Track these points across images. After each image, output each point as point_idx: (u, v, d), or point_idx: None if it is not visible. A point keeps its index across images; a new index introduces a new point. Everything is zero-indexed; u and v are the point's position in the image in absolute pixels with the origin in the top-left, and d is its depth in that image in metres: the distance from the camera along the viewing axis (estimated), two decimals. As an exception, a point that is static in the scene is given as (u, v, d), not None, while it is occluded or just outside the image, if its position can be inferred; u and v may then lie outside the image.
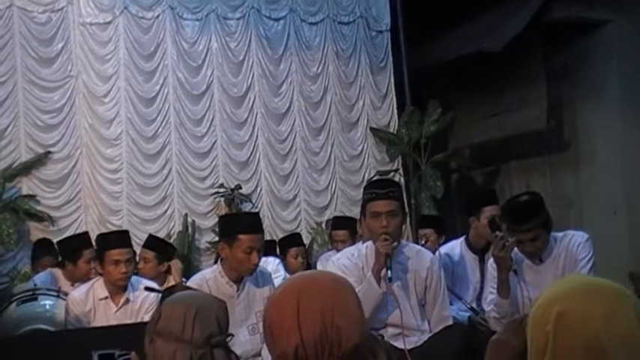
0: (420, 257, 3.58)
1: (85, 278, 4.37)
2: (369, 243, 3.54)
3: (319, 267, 4.89)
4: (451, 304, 3.95)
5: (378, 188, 3.48)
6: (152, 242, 5.11)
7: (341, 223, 5.77)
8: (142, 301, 3.88)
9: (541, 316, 1.35)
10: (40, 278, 4.73)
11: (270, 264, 5.08)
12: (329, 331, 1.37)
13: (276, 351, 1.41)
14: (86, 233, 5.30)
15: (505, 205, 3.65)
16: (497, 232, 3.50)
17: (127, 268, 3.84)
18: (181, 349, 1.84)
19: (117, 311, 3.86)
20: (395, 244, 3.38)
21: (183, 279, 4.83)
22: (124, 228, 6.05)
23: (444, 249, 4.23)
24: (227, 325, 1.95)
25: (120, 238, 4.00)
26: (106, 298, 3.88)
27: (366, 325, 1.43)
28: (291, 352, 1.37)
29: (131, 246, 4.03)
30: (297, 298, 1.40)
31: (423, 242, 4.80)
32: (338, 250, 4.94)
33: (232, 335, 1.95)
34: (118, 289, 3.88)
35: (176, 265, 4.93)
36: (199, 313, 1.88)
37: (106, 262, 3.82)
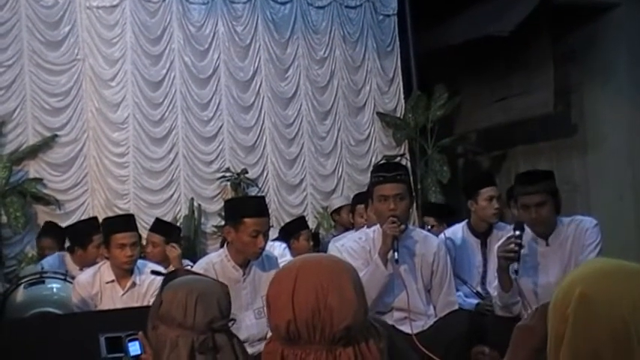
0: (427, 242, 3.58)
1: (95, 263, 4.38)
2: (377, 227, 3.54)
3: (330, 248, 4.86)
4: (457, 289, 3.96)
5: (385, 172, 3.48)
6: (160, 226, 5.11)
7: (363, 197, 5.65)
8: (148, 285, 3.88)
9: (562, 299, 1.27)
10: (48, 262, 4.75)
11: (277, 248, 5.08)
12: (321, 311, 1.40)
13: (271, 324, 1.47)
14: (95, 218, 5.31)
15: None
16: (518, 232, 3.43)
17: (133, 252, 3.84)
18: (184, 334, 1.84)
19: (123, 295, 3.87)
20: (402, 226, 3.37)
21: (190, 263, 4.82)
22: (131, 212, 6.05)
23: (447, 233, 4.23)
24: (229, 309, 1.94)
25: (125, 222, 4.00)
26: (113, 281, 3.89)
27: (361, 310, 1.44)
28: (283, 327, 1.41)
29: (137, 229, 4.03)
30: (295, 276, 1.45)
31: (428, 227, 4.81)
32: (357, 229, 4.92)
33: (234, 320, 1.94)
34: (125, 272, 3.89)
35: (173, 251, 4.78)
36: (200, 298, 1.87)
37: (112, 246, 3.82)
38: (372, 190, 3.50)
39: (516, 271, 3.37)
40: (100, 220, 4.84)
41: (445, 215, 5.43)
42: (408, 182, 3.55)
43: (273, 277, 1.53)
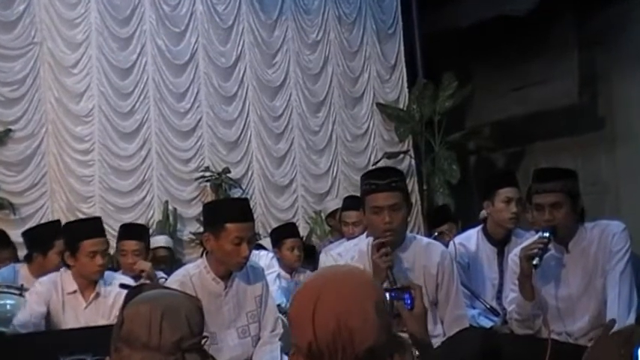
0: (429, 252, 3.57)
1: (55, 271, 4.36)
2: (370, 240, 3.52)
3: (322, 258, 4.84)
4: (473, 307, 3.96)
5: (378, 179, 3.44)
6: (140, 232, 5.06)
7: (354, 202, 5.66)
8: (115, 297, 3.87)
9: None
10: (2, 274, 4.73)
11: (263, 258, 5.09)
12: (342, 333, 1.55)
13: (293, 342, 1.64)
14: (57, 221, 5.28)
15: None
16: (547, 233, 3.43)
17: (104, 260, 3.85)
18: (149, 356, 1.82)
19: (87, 307, 3.87)
20: (391, 256, 3.32)
21: (164, 276, 4.80)
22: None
23: (458, 239, 4.21)
24: (201, 326, 1.93)
25: (95, 227, 3.99)
26: (75, 292, 3.88)
27: (384, 330, 1.58)
28: (305, 347, 1.57)
29: (105, 235, 4.03)
30: (316, 296, 1.59)
31: (435, 234, 4.80)
32: (349, 238, 4.92)
33: (207, 337, 1.94)
34: (89, 282, 3.88)
35: (141, 265, 4.64)
36: (167, 314, 1.85)
37: (81, 254, 3.81)
38: (363, 200, 3.47)
39: (535, 266, 3.36)
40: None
41: (436, 221, 5.42)
42: (405, 189, 3.51)
43: (296, 293, 1.67)
